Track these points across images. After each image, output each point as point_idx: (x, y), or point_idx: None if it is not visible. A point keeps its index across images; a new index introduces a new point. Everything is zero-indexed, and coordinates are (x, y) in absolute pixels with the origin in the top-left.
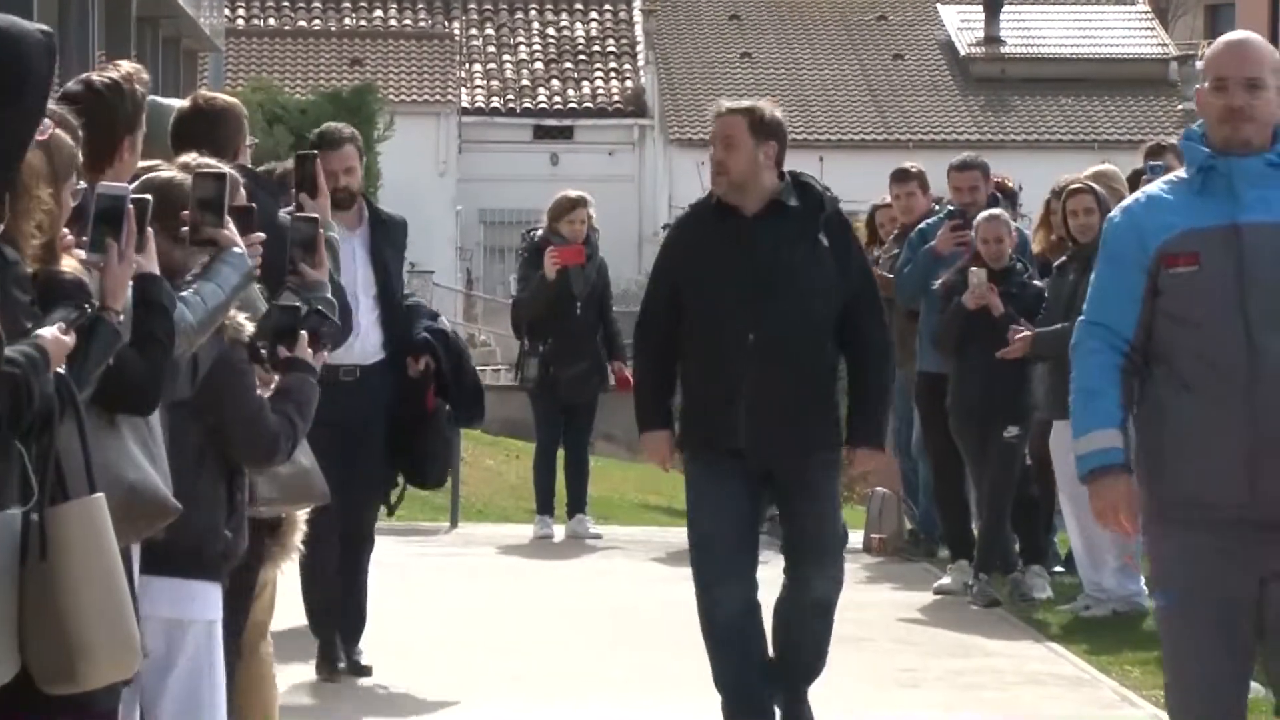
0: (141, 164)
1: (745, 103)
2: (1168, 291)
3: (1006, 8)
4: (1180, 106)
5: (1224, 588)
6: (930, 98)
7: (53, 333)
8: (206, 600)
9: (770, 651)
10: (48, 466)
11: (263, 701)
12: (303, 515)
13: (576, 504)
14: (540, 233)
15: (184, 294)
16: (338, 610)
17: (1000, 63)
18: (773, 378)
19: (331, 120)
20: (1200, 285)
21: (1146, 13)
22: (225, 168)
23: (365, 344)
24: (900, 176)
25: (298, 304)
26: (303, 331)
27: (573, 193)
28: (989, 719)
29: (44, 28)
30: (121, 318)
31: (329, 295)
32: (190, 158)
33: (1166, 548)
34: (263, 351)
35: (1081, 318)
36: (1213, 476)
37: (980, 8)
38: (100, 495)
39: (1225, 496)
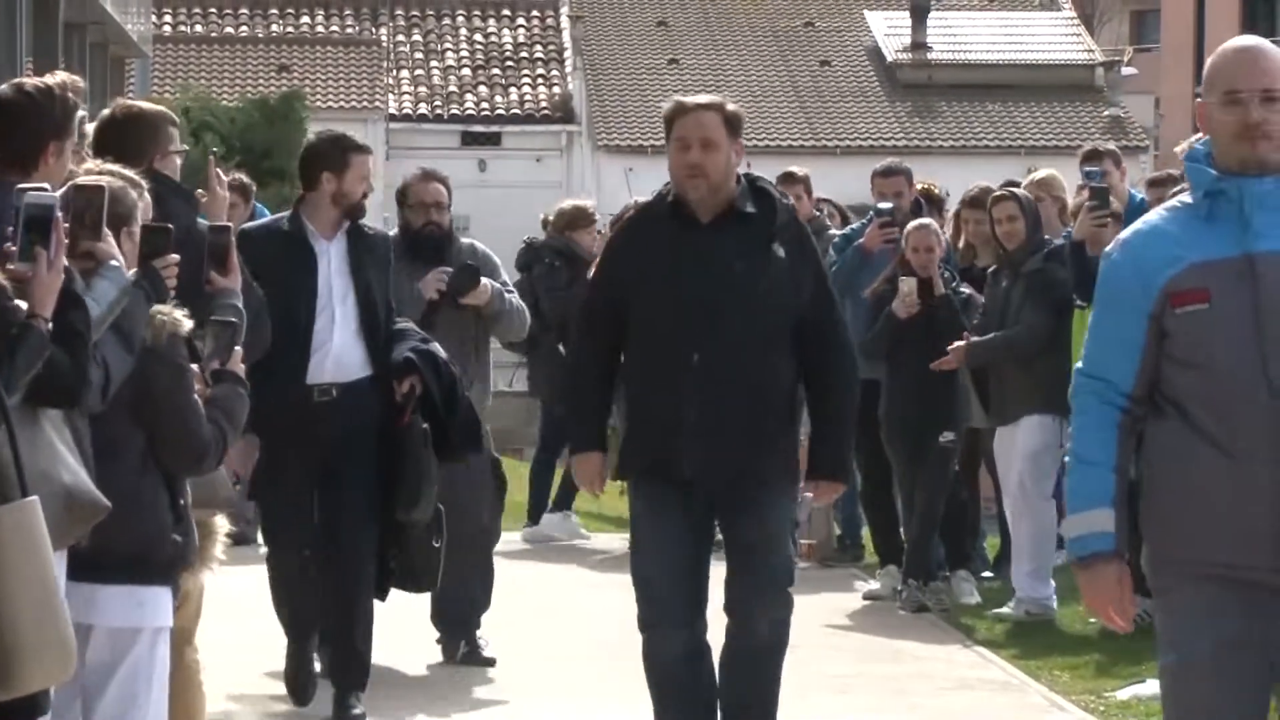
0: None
1: (712, 98)
2: (1176, 333)
3: (933, 14)
4: (1106, 112)
5: (1241, 650)
6: (857, 104)
7: None
8: (157, 607)
9: (718, 707)
10: None
11: (188, 709)
12: (223, 526)
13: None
14: (543, 240)
15: None
16: (310, 624)
17: (927, 69)
18: (719, 400)
19: (260, 127)
20: (1211, 324)
21: (1072, 19)
22: (112, 178)
23: (342, 360)
24: (786, 179)
25: (235, 319)
26: (238, 347)
27: (584, 202)
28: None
29: None
30: (50, 326)
31: (238, 304)
32: (94, 164)
33: (1174, 602)
34: (200, 350)
35: (1078, 365)
36: (1231, 538)
37: (907, 14)
38: (34, 499)
39: (1246, 559)
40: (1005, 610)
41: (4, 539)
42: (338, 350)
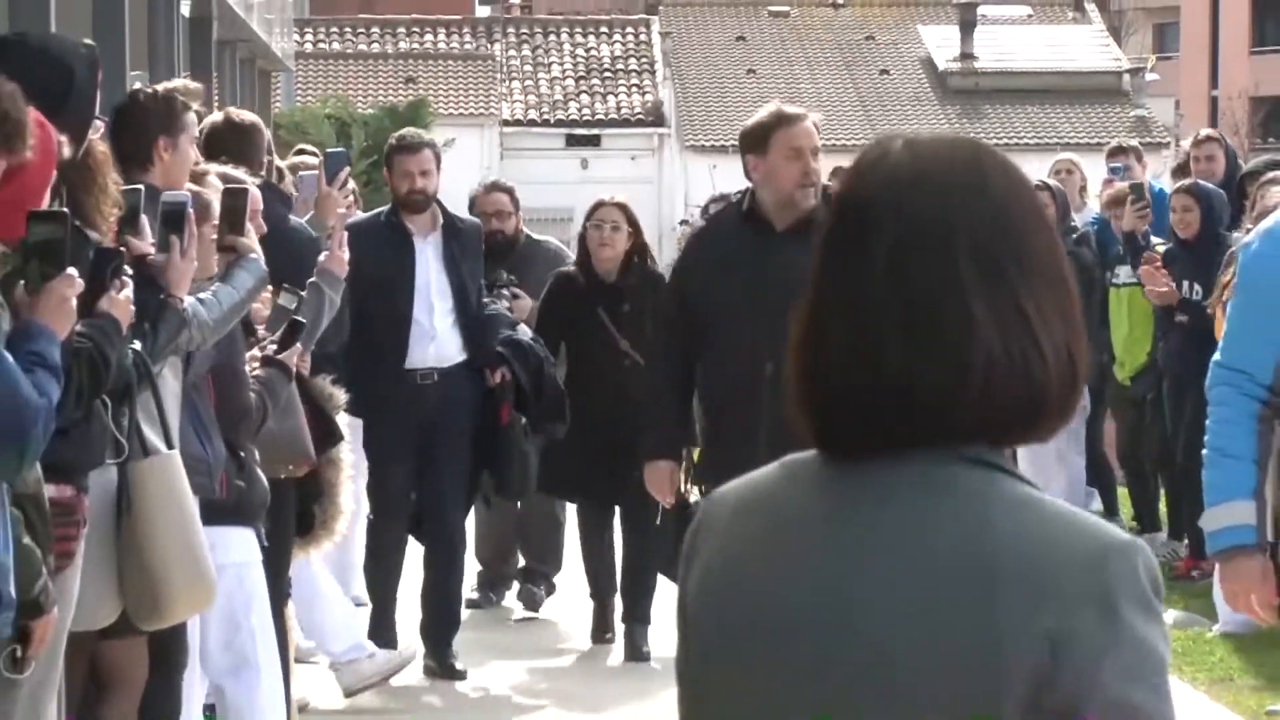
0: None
1: (803, 109)
2: None
3: (979, 28)
4: (1132, 113)
5: None
6: (912, 107)
7: (110, 298)
8: (229, 544)
9: None
10: (130, 428)
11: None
12: (348, 501)
13: None
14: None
15: (203, 295)
16: (393, 590)
17: (974, 76)
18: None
19: (390, 131)
20: None
21: (1102, 31)
22: (249, 182)
23: (442, 348)
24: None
25: (303, 320)
26: (298, 345)
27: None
28: None
29: (87, 43)
30: (185, 305)
31: (261, 265)
32: (214, 167)
33: None
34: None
35: (1216, 357)
36: None
37: (956, 29)
38: (175, 452)
39: None
40: None
41: (150, 487)
42: (438, 339)
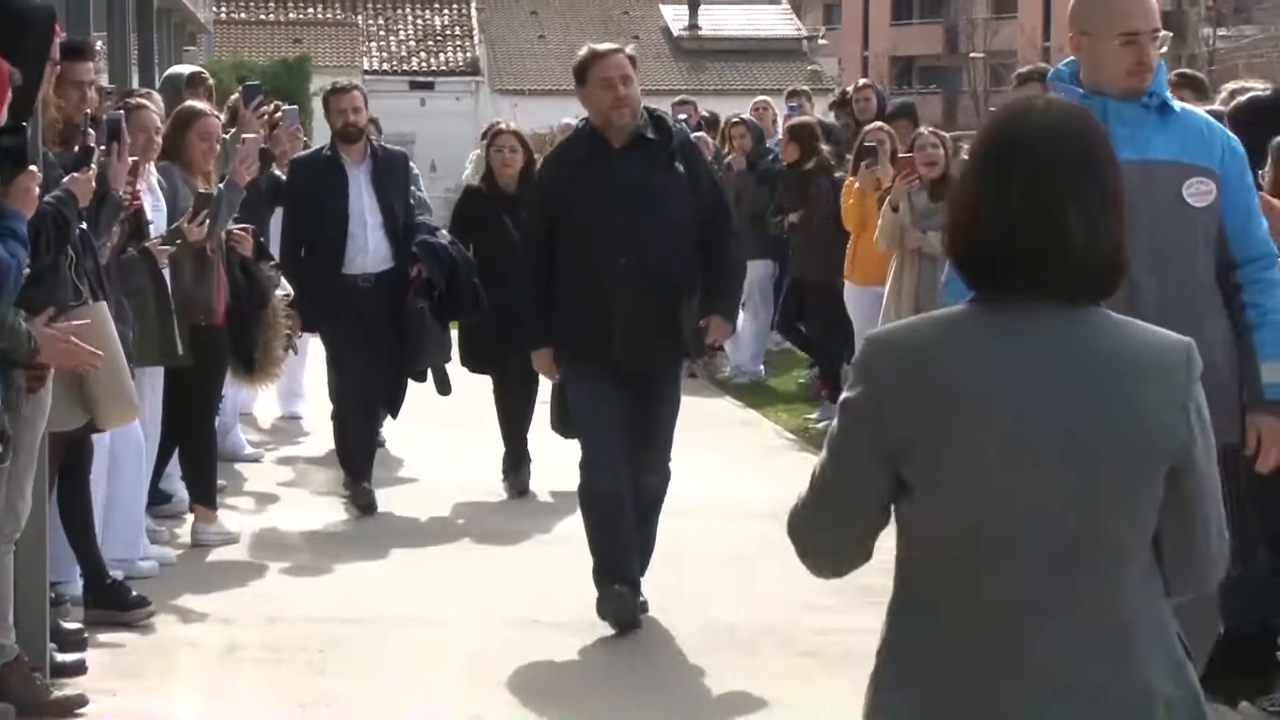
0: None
1: (616, 44)
2: None
3: (702, 7)
4: (808, 68)
5: None
6: (656, 63)
7: (73, 178)
8: None
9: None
10: (81, 283)
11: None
12: (279, 351)
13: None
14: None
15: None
16: (367, 453)
17: (699, 41)
18: (643, 296)
19: (283, 78)
20: None
21: (788, 9)
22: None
23: (375, 255)
24: None
25: (213, 208)
26: (189, 225)
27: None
28: (691, 446)
29: (47, 5)
30: (121, 194)
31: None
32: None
33: None
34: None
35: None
36: None
37: (686, 8)
38: (104, 302)
39: None
40: (728, 375)
41: (88, 327)
42: (372, 249)
